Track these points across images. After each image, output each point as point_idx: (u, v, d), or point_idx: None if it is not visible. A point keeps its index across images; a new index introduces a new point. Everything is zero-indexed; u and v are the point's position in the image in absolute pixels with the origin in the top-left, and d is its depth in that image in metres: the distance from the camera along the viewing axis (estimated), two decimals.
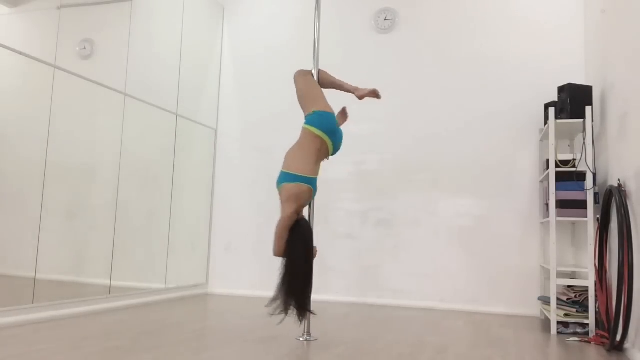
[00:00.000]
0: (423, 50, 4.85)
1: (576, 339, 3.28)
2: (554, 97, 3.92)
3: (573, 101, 3.63)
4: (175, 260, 4.73)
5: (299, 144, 2.97)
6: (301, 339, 3.02)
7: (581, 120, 3.58)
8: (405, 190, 4.74)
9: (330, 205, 4.83)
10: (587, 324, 3.37)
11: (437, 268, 4.56)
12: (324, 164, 3.07)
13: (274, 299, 2.77)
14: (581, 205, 3.51)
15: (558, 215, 3.56)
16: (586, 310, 3.40)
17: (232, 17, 5.53)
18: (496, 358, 2.70)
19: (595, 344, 3.16)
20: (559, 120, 3.67)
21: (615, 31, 3.39)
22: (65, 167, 3.71)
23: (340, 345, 2.92)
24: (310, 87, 3.13)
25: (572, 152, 4.10)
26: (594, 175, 3.53)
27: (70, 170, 3.77)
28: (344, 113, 3.32)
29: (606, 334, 3.09)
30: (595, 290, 3.35)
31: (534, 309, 4.24)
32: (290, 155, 2.97)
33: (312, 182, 2.92)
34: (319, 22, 3.37)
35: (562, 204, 3.57)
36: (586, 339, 3.25)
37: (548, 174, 3.65)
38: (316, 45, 3.32)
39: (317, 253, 2.98)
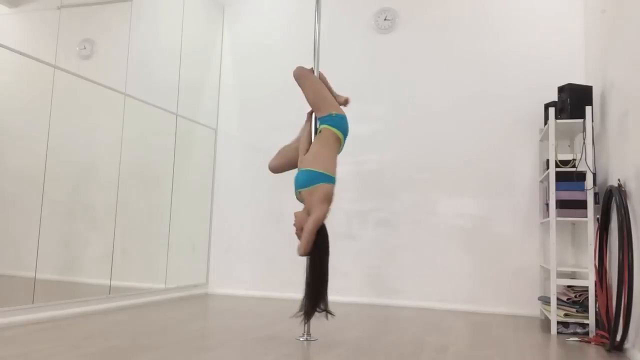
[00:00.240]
0: (423, 50, 4.85)
1: (576, 339, 3.28)
2: (554, 97, 3.92)
3: (573, 101, 3.63)
4: (175, 260, 4.73)
5: (325, 145, 2.96)
6: (301, 339, 3.02)
7: (581, 120, 3.58)
8: (405, 190, 4.74)
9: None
10: (587, 324, 3.37)
11: (437, 268, 4.56)
12: None
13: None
14: (581, 205, 3.51)
15: (558, 215, 3.56)
16: (586, 310, 3.40)
17: (232, 17, 5.53)
18: (496, 358, 2.70)
19: (595, 344, 3.16)
20: (559, 120, 3.67)
21: (615, 31, 3.39)
22: (65, 167, 3.71)
23: (340, 345, 2.92)
24: (322, 87, 3.14)
25: (572, 152, 4.10)
26: (594, 175, 3.53)
27: (70, 170, 3.77)
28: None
29: (606, 334, 3.09)
30: (595, 290, 3.35)
31: (534, 309, 4.24)
32: (320, 155, 2.92)
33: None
34: (319, 22, 3.37)
35: (562, 204, 3.57)
36: (586, 339, 3.25)
37: (548, 174, 3.65)
38: (316, 45, 3.32)
39: None
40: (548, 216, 3.65)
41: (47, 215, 3.48)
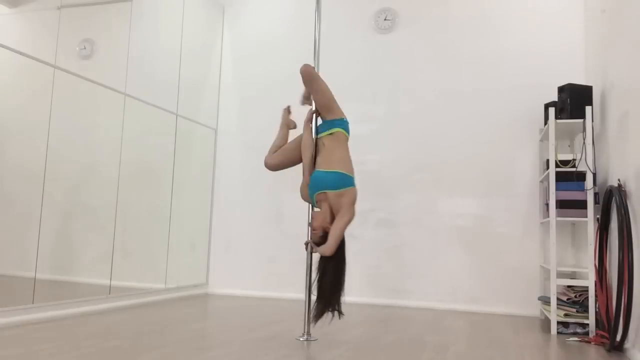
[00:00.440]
0: (423, 50, 4.85)
1: (576, 339, 3.28)
2: (554, 97, 3.92)
3: (573, 101, 3.63)
4: (175, 260, 4.73)
5: (345, 149, 3.00)
6: (301, 339, 3.02)
7: (581, 120, 3.58)
8: (405, 190, 4.74)
9: None
10: (587, 324, 3.37)
11: (437, 268, 4.56)
12: None
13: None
14: (581, 205, 3.51)
15: (558, 215, 3.56)
16: (586, 310, 3.40)
17: (232, 17, 5.53)
18: (496, 358, 2.70)
19: (595, 344, 3.16)
20: (559, 120, 3.67)
21: (615, 31, 3.39)
22: (65, 167, 3.71)
23: (340, 345, 2.92)
24: (329, 89, 3.11)
25: (572, 152, 4.10)
26: (594, 175, 3.53)
27: (70, 170, 3.77)
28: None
29: (606, 334, 3.09)
30: (595, 290, 3.35)
31: (534, 309, 4.24)
32: (347, 159, 2.96)
33: None
34: (319, 22, 3.37)
35: (562, 204, 3.57)
36: (586, 339, 3.25)
37: (548, 174, 3.65)
38: (316, 45, 3.32)
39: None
40: (548, 216, 3.65)
41: (47, 215, 3.48)
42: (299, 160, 3.09)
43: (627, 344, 2.87)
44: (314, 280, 2.86)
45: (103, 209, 4.00)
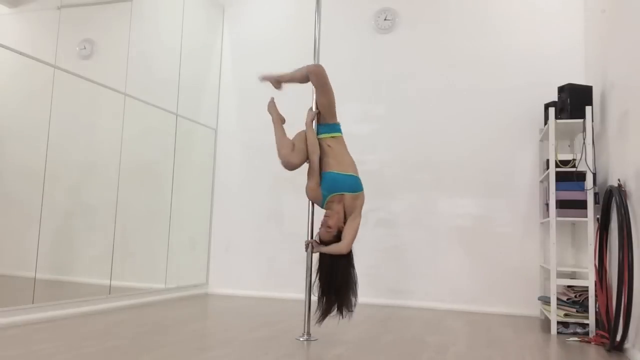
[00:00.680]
0: (423, 50, 4.85)
1: (576, 339, 3.28)
2: (554, 97, 3.92)
3: (573, 101, 3.63)
4: (175, 260, 4.73)
5: (349, 153, 3.09)
6: (301, 339, 3.02)
7: (581, 120, 3.58)
8: (405, 190, 4.74)
9: None
10: (587, 324, 3.37)
11: (437, 268, 4.56)
12: None
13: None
14: (581, 205, 3.51)
15: (558, 215, 3.56)
16: (586, 310, 3.40)
17: (232, 17, 5.53)
18: (496, 358, 2.70)
19: (595, 344, 3.16)
20: (559, 120, 3.67)
21: (615, 31, 3.39)
22: (65, 167, 3.71)
23: (341, 345, 2.92)
24: None
25: (572, 152, 4.10)
26: (594, 175, 3.53)
27: (70, 170, 3.77)
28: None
29: (606, 334, 3.09)
30: (595, 290, 3.35)
31: (534, 309, 4.24)
32: (354, 164, 3.07)
33: None
34: (319, 22, 3.37)
35: (562, 204, 3.57)
36: (586, 339, 3.25)
37: (548, 174, 3.65)
38: (316, 45, 3.32)
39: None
40: (548, 216, 3.65)
41: (47, 215, 3.48)
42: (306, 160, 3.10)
43: (627, 344, 2.87)
44: (316, 280, 2.87)
45: (103, 209, 4.00)
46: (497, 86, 4.60)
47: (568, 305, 3.49)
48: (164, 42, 4.76)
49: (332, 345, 2.91)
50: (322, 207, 3.01)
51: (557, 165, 3.60)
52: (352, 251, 2.90)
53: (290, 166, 3.04)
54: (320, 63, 3.29)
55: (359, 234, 2.89)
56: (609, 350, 2.95)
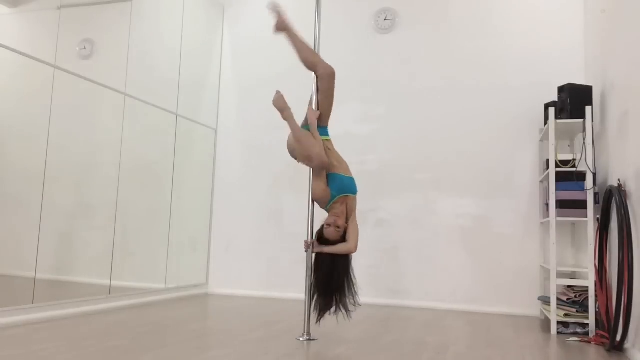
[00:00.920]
0: (423, 50, 4.85)
1: (576, 339, 3.28)
2: (554, 97, 3.92)
3: (573, 101, 3.63)
4: (175, 260, 4.73)
5: None
6: (301, 339, 3.02)
7: (581, 120, 3.58)
8: (405, 190, 4.74)
9: None
10: (587, 324, 3.37)
11: (437, 268, 4.56)
12: None
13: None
14: (581, 205, 3.51)
15: (558, 215, 3.56)
16: (586, 310, 3.40)
17: (232, 17, 5.53)
18: (496, 358, 2.70)
19: (595, 344, 3.16)
20: (559, 120, 3.67)
21: (615, 31, 3.39)
22: (65, 167, 3.71)
23: (341, 345, 2.92)
24: None
25: (572, 152, 4.10)
26: (594, 175, 3.53)
27: (70, 170, 3.77)
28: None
29: (606, 334, 3.09)
30: (595, 290, 3.35)
31: (534, 309, 4.24)
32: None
33: None
34: (319, 22, 3.37)
35: (562, 204, 3.57)
36: (586, 339, 3.25)
37: (548, 174, 3.65)
38: (316, 45, 3.32)
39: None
40: (548, 216, 3.65)
41: (47, 215, 3.48)
42: None
43: (627, 344, 2.87)
44: (313, 280, 2.90)
45: (103, 209, 4.00)
46: (497, 86, 4.60)
47: (568, 305, 3.49)
48: (164, 42, 4.76)
49: (332, 345, 2.91)
50: (325, 207, 3.01)
51: (557, 165, 3.60)
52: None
53: (324, 165, 2.98)
54: None
55: (359, 232, 2.92)
56: (609, 350, 2.95)
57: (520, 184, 4.45)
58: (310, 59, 3.14)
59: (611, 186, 3.11)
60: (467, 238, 4.53)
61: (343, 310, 2.83)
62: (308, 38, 3.28)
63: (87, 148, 3.91)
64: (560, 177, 3.59)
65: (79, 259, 3.86)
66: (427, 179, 4.69)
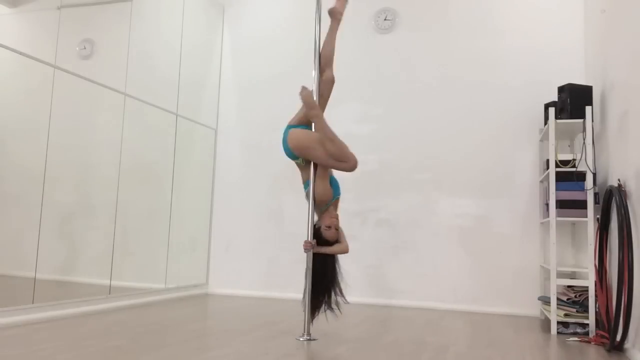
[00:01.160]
0: (423, 50, 4.85)
1: (576, 339, 3.28)
2: (554, 97, 3.92)
3: (573, 101, 3.63)
4: (175, 260, 4.73)
5: None
6: (301, 339, 3.02)
7: (581, 120, 3.58)
8: (405, 190, 4.73)
9: None
10: (587, 324, 3.37)
11: (437, 268, 4.56)
12: None
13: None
14: (581, 205, 3.51)
15: (558, 215, 3.56)
16: (586, 310, 3.40)
17: (232, 17, 5.53)
18: (496, 358, 2.70)
19: (595, 344, 3.16)
20: (559, 120, 3.67)
21: (615, 31, 3.39)
22: (65, 167, 3.71)
23: (341, 345, 2.92)
24: None
25: (572, 152, 4.10)
26: (594, 175, 3.53)
27: (70, 170, 3.77)
28: None
29: (606, 334, 3.09)
30: (595, 290, 3.35)
31: (534, 309, 4.24)
32: None
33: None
34: (319, 22, 3.37)
35: (562, 204, 3.57)
36: (586, 339, 3.25)
37: (548, 174, 3.65)
38: (316, 45, 3.32)
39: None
40: (548, 216, 3.65)
41: (47, 215, 3.48)
42: None
43: (627, 344, 2.87)
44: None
45: (103, 209, 4.00)
46: (497, 86, 4.60)
47: (568, 305, 3.49)
48: (164, 42, 4.76)
49: (332, 345, 2.91)
50: (322, 209, 3.06)
51: (557, 165, 3.60)
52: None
53: (356, 166, 2.96)
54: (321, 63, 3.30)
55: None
56: (609, 350, 2.95)
57: (520, 184, 4.45)
58: (329, 57, 3.26)
59: (611, 186, 3.11)
60: (467, 238, 4.53)
61: (334, 307, 2.94)
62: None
63: (87, 148, 3.91)
64: (560, 177, 3.59)
65: (79, 259, 3.86)
66: (427, 179, 4.69)
